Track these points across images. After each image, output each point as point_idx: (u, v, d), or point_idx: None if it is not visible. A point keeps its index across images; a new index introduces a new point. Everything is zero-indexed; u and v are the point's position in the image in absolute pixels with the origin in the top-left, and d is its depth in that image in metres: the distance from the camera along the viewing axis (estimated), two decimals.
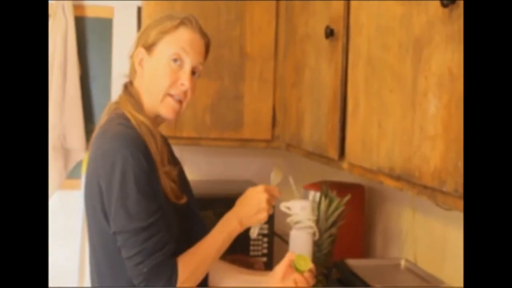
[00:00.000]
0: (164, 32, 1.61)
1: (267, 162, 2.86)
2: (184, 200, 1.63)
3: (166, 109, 1.62)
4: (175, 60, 1.60)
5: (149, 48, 1.62)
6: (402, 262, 1.86)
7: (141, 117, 1.58)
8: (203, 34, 1.67)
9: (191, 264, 1.54)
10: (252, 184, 2.68)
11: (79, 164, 2.79)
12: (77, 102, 2.75)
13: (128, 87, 1.67)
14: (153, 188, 1.52)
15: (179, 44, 1.60)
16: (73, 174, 2.79)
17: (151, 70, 1.63)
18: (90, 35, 2.88)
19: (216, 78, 2.34)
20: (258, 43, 2.39)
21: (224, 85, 2.37)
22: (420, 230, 1.97)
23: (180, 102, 1.63)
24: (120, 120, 1.58)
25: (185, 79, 1.61)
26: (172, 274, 1.49)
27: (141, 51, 1.63)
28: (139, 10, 2.79)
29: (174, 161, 1.76)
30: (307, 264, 1.68)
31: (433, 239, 1.89)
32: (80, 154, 2.75)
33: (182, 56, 1.60)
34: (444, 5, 1.15)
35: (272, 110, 2.41)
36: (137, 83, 1.66)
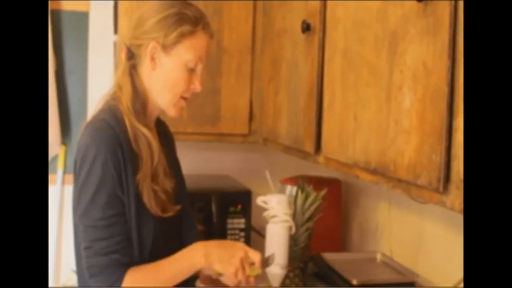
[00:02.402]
0: (184, 36, 1.57)
1: (244, 156, 2.87)
2: (170, 213, 1.59)
3: (176, 110, 1.62)
4: (191, 65, 1.59)
5: (165, 47, 1.58)
6: (378, 256, 1.87)
7: (145, 131, 1.56)
8: (212, 36, 1.66)
9: (139, 279, 1.50)
10: (230, 179, 2.69)
11: (54, 159, 2.76)
12: (52, 96, 2.73)
13: (133, 76, 1.62)
14: (119, 193, 1.49)
15: (197, 51, 1.58)
16: (49, 169, 2.77)
17: (166, 71, 1.59)
18: (66, 28, 2.85)
19: None
20: (235, 37, 2.39)
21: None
22: (396, 224, 1.99)
23: (186, 100, 1.64)
24: (105, 115, 1.55)
25: (198, 83, 1.61)
26: (116, 281, 1.48)
27: (156, 46, 1.58)
28: (116, 3, 2.77)
29: (173, 168, 1.73)
30: (255, 271, 1.66)
31: (408, 233, 1.90)
32: (56, 148, 2.73)
33: (198, 62, 1.60)
34: (419, 0, 1.16)
35: (249, 104, 2.41)
36: (144, 74, 1.61)
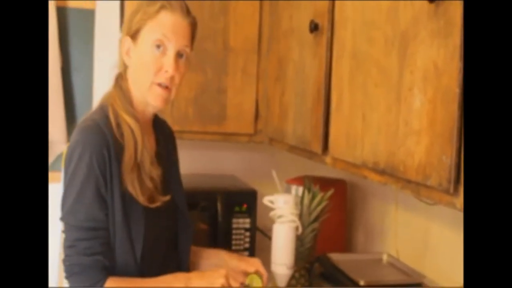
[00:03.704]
0: (146, 18, 1.57)
1: (250, 156, 2.86)
2: (158, 203, 1.59)
3: (155, 98, 1.59)
4: (158, 47, 1.57)
5: (133, 36, 1.59)
6: (384, 257, 1.87)
7: (127, 118, 1.57)
8: (186, 15, 1.62)
9: None
10: (235, 178, 2.68)
11: (60, 157, 2.76)
12: (58, 94, 2.72)
13: (119, 80, 1.64)
14: (104, 192, 1.50)
15: (161, 29, 1.57)
16: (54, 166, 2.77)
17: (137, 59, 1.60)
18: (72, 26, 2.85)
19: (199, 71, 2.33)
20: (241, 37, 2.38)
21: (207, 78, 2.36)
22: (402, 225, 1.98)
23: (167, 88, 1.59)
24: (96, 115, 1.57)
25: (168, 65, 1.57)
26: (97, 283, 1.48)
27: (127, 40, 1.61)
28: (122, 1, 2.77)
29: (163, 161, 1.72)
30: (259, 285, 1.67)
31: (415, 234, 1.90)
32: (61, 146, 2.72)
33: (165, 42, 1.57)
34: (430, 0, 1.16)
35: (255, 104, 2.41)
36: (127, 74, 1.64)
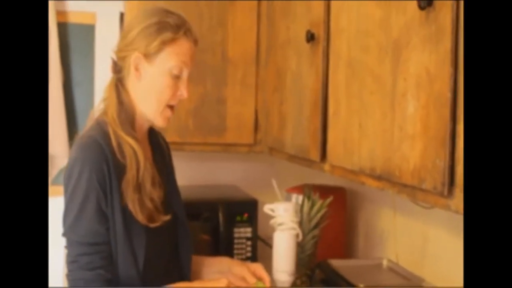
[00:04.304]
0: (165, 43, 1.58)
1: (250, 166, 2.89)
2: (158, 223, 1.60)
3: (163, 120, 1.63)
4: (175, 73, 1.60)
5: (149, 56, 1.59)
6: (384, 262, 1.89)
7: (129, 140, 1.58)
8: (196, 42, 1.66)
9: None
10: (236, 188, 2.71)
11: (62, 171, 2.79)
12: (60, 108, 2.76)
13: (119, 89, 1.64)
14: (105, 207, 1.52)
15: (180, 57, 1.60)
16: (56, 180, 2.80)
17: (151, 80, 1.61)
18: (73, 41, 2.89)
19: (199, 83, 2.36)
20: (240, 48, 2.42)
21: (207, 90, 2.39)
22: (401, 230, 2.00)
23: (173, 108, 1.65)
24: (94, 132, 1.58)
25: (184, 89, 1.62)
26: None
27: (139, 56, 1.59)
28: (122, 16, 2.81)
29: (164, 175, 1.74)
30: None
31: (413, 239, 1.92)
32: (63, 160, 2.76)
33: (182, 68, 1.61)
34: (421, 8, 1.19)
35: (255, 114, 2.44)
36: (130, 86, 1.63)
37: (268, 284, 1.71)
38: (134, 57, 1.60)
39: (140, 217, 1.55)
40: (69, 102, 2.86)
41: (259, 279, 1.71)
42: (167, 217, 1.64)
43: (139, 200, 1.56)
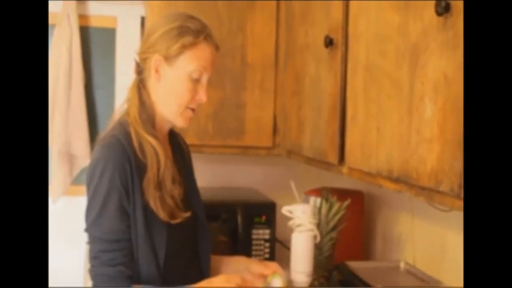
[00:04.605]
0: (186, 47, 1.62)
1: (268, 169, 2.91)
2: (179, 220, 1.64)
3: (184, 120, 1.67)
4: (195, 77, 1.64)
5: (169, 58, 1.63)
6: (402, 264, 1.90)
7: (150, 139, 1.62)
8: (217, 47, 1.69)
9: None
10: (254, 191, 2.74)
11: (83, 171, 2.84)
12: (81, 109, 2.81)
13: (141, 90, 1.68)
14: (126, 205, 1.56)
15: (200, 61, 1.63)
16: (78, 180, 2.85)
17: (170, 82, 1.64)
18: (94, 44, 2.94)
19: (219, 87, 2.40)
20: (259, 53, 2.45)
21: (226, 94, 2.42)
22: (418, 234, 2.02)
23: (194, 110, 1.68)
24: (116, 131, 1.62)
25: (203, 94, 1.66)
26: None
27: (159, 59, 1.63)
28: (142, 20, 2.85)
29: (183, 175, 1.78)
30: (279, 281, 1.73)
31: (431, 242, 1.93)
32: (85, 160, 2.81)
33: (202, 72, 1.64)
34: (438, 14, 1.21)
35: (273, 118, 2.47)
36: (151, 87, 1.67)
37: (284, 280, 1.74)
38: (155, 59, 1.63)
39: (161, 214, 1.59)
40: (91, 104, 2.91)
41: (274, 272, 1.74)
42: (187, 214, 1.67)
43: (160, 197, 1.60)
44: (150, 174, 1.59)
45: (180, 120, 1.67)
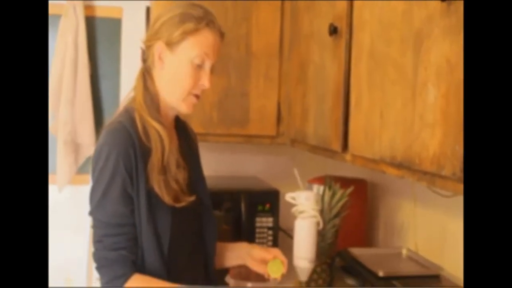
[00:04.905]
0: (188, 33, 1.63)
1: (272, 159, 2.93)
2: (183, 203, 1.66)
3: (187, 106, 1.67)
4: (197, 63, 1.64)
5: (171, 45, 1.64)
6: (404, 251, 1.92)
7: (155, 124, 1.63)
8: (222, 34, 1.70)
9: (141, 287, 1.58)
10: (258, 179, 2.76)
11: (88, 160, 2.86)
12: (87, 99, 2.83)
13: (146, 77, 1.70)
14: (130, 190, 1.57)
15: (202, 48, 1.64)
16: (83, 169, 2.87)
17: (173, 68, 1.66)
18: (100, 34, 2.95)
19: (223, 76, 2.41)
20: (263, 42, 2.46)
21: (230, 83, 2.44)
22: (421, 221, 2.04)
23: (198, 96, 1.69)
24: (122, 118, 1.64)
25: (205, 80, 1.66)
26: (122, 276, 1.55)
27: (162, 45, 1.65)
28: (148, 10, 2.86)
29: (188, 161, 1.79)
30: (280, 270, 1.75)
31: (433, 229, 1.95)
32: (90, 149, 2.83)
33: (204, 59, 1.65)
34: (442, 0, 1.22)
35: (277, 107, 2.48)
36: (155, 74, 1.69)
37: (285, 265, 1.76)
38: (157, 46, 1.65)
39: (166, 198, 1.60)
40: (96, 93, 2.93)
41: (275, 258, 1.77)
42: (192, 198, 1.69)
43: (165, 181, 1.61)
44: (155, 159, 1.61)
45: (183, 106, 1.68)
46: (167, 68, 1.67)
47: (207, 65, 1.67)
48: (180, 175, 1.67)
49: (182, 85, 1.65)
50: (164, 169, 1.63)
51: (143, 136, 1.61)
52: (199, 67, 1.65)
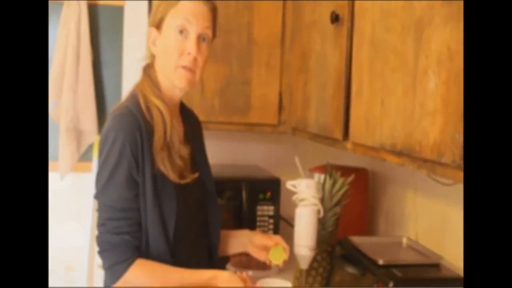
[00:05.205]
0: (169, 7, 1.66)
1: (273, 147, 2.93)
2: (188, 179, 1.69)
3: (179, 79, 1.67)
4: (180, 32, 1.65)
5: (158, 25, 1.68)
6: (404, 240, 1.92)
7: (155, 100, 1.66)
8: (205, 1, 1.70)
9: (144, 272, 1.58)
10: (259, 168, 2.76)
11: (91, 147, 2.87)
12: (89, 86, 2.84)
13: (147, 70, 1.74)
14: (136, 174, 1.59)
15: (182, 14, 1.65)
16: (85, 157, 2.87)
17: (162, 46, 1.69)
18: (102, 22, 2.96)
19: (225, 64, 2.41)
20: (265, 30, 2.46)
21: (232, 71, 2.44)
22: (421, 210, 2.04)
23: (191, 70, 1.67)
24: (128, 102, 1.66)
25: (191, 48, 1.65)
26: (125, 261, 1.57)
27: (153, 30, 1.70)
28: None
29: (191, 139, 1.82)
30: (282, 257, 1.76)
31: (434, 218, 1.95)
32: (92, 136, 2.84)
33: (187, 26, 1.65)
34: None
35: (279, 95, 2.48)
36: (155, 64, 1.73)
37: (287, 252, 1.77)
38: (149, 32, 1.71)
39: (171, 175, 1.62)
40: (98, 81, 2.94)
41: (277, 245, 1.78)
42: (195, 175, 1.72)
43: (169, 157, 1.63)
44: (157, 134, 1.62)
45: (176, 81, 1.68)
46: (159, 49, 1.70)
47: (193, 33, 1.66)
48: (183, 150, 1.70)
49: (169, 56, 1.67)
50: (167, 146, 1.65)
51: (147, 115, 1.63)
52: (184, 36, 1.66)
